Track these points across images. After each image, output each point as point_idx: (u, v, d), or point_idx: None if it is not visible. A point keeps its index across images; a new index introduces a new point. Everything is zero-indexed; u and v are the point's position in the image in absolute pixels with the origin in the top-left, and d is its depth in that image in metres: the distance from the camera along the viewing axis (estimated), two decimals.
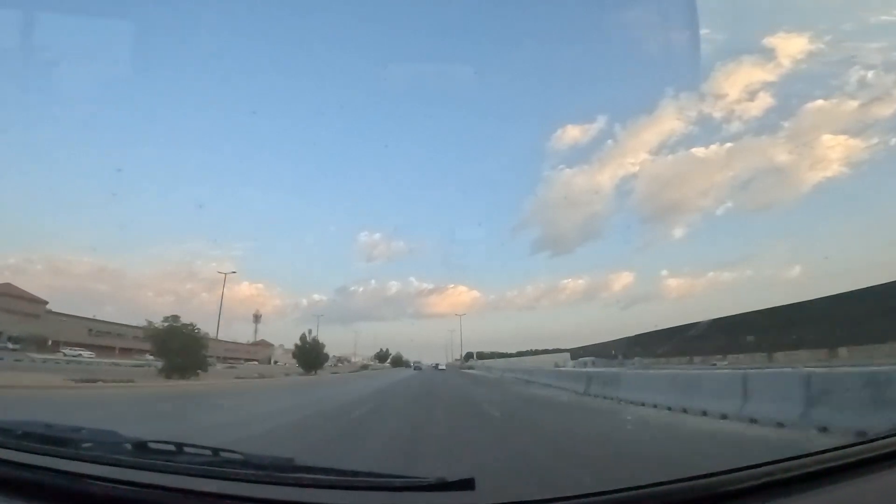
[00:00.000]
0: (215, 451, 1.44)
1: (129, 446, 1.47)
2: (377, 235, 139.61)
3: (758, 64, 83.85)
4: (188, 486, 1.12)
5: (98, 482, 1.12)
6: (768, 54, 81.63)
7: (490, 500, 1.41)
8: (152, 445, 1.47)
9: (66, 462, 1.24)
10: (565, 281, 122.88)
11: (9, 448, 1.32)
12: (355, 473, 1.27)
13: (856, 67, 69.56)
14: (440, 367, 74.13)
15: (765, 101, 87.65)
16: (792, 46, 76.41)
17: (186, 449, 1.46)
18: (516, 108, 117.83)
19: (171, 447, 1.46)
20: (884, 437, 1.43)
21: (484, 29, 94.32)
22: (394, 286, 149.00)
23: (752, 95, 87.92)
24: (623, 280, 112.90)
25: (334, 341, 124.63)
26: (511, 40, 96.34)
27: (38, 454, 1.29)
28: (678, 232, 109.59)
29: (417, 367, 76.30)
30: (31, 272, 72.33)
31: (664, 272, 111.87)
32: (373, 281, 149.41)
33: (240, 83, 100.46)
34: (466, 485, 1.12)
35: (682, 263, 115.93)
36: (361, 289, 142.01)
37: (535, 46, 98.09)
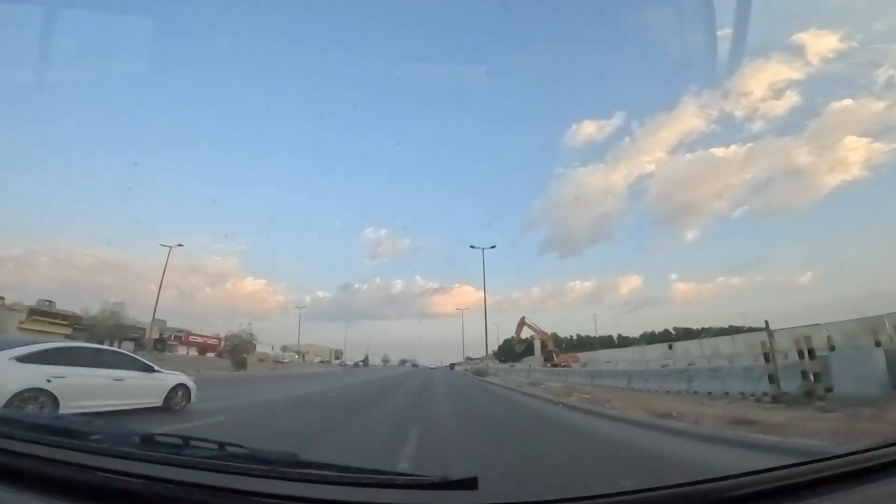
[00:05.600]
0: (221, 444, 1.46)
1: (136, 438, 1.49)
2: (383, 232, 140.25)
3: (786, 61, 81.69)
4: (194, 480, 1.13)
5: (106, 474, 1.13)
6: (798, 52, 79.61)
7: (493, 500, 1.41)
8: (159, 438, 1.49)
9: (74, 454, 1.25)
10: (572, 283, 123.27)
11: (18, 439, 1.34)
12: (360, 470, 1.27)
13: (884, 67, 68.16)
14: (430, 368, 75.17)
15: (790, 99, 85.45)
16: (822, 44, 74.00)
17: (192, 442, 1.48)
18: (529, 106, 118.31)
19: (178, 440, 1.48)
20: (891, 445, 1.43)
21: (497, 29, 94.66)
22: (398, 284, 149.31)
23: (777, 94, 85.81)
24: (631, 283, 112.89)
25: (333, 339, 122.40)
26: (524, 40, 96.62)
27: (47, 445, 1.30)
28: (690, 235, 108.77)
29: (414, 366, 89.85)
30: (37, 264, 72.32)
31: (673, 276, 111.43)
32: (377, 279, 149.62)
33: (254, 82, 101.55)
34: (470, 484, 1.13)
35: (692, 267, 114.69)
36: (366, 286, 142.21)
37: (550, 45, 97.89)
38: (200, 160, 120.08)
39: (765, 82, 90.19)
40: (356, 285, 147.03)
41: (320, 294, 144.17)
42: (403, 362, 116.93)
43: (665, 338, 66.08)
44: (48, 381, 6.03)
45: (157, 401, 8.08)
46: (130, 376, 7.62)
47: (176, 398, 8.42)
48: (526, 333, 59.89)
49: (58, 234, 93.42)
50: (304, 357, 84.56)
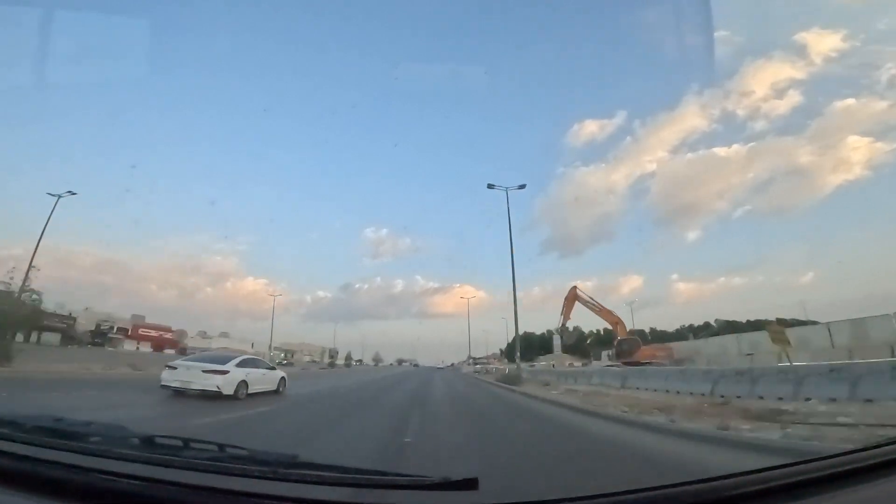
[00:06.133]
0: (221, 446, 1.46)
1: (136, 441, 1.51)
2: (384, 231, 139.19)
3: (788, 60, 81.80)
4: (194, 482, 1.12)
5: (106, 476, 1.13)
6: (800, 51, 79.15)
7: (494, 500, 1.41)
8: (159, 440, 1.50)
9: (74, 456, 1.27)
10: (573, 283, 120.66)
11: (19, 442, 1.38)
12: (359, 471, 1.25)
13: (887, 66, 67.01)
14: (438, 368, 73.60)
15: (792, 99, 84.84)
16: (824, 44, 72.68)
17: (192, 444, 1.48)
18: (529, 106, 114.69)
19: (178, 442, 1.49)
20: (889, 444, 1.41)
21: (497, 29, 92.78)
22: (399, 284, 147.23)
23: (779, 93, 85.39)
24: (632, 283, 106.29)
25: (334, 339, 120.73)
26: (524, 40, 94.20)
27: (47, 448, 1.33)
28: (691, 235, 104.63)
29: (414, 366, 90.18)
30: (36, 262, 71.98)
31: (674, 276, 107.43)
32: (378, 278, 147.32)
33: (253, 82, 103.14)
34: (470, 484, 1.12)
35: (693, 267, 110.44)
36: (367, 286, 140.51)
37: (550, 45, 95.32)
38: (200, 160, 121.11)
39: (767, 82, 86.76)
40: (356, 285, 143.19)
41: (321, 294, 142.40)
42: (401, 362, 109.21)
43: (704, 332, 60.27)
44: (247, 374, 11.28)
45: (274, 387, 12.72)
46: (267, 372, 12.72)
47: (282, 385, 13.17)
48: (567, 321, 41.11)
49: (58, 234, 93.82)
50: (292, 355, 77.71)
